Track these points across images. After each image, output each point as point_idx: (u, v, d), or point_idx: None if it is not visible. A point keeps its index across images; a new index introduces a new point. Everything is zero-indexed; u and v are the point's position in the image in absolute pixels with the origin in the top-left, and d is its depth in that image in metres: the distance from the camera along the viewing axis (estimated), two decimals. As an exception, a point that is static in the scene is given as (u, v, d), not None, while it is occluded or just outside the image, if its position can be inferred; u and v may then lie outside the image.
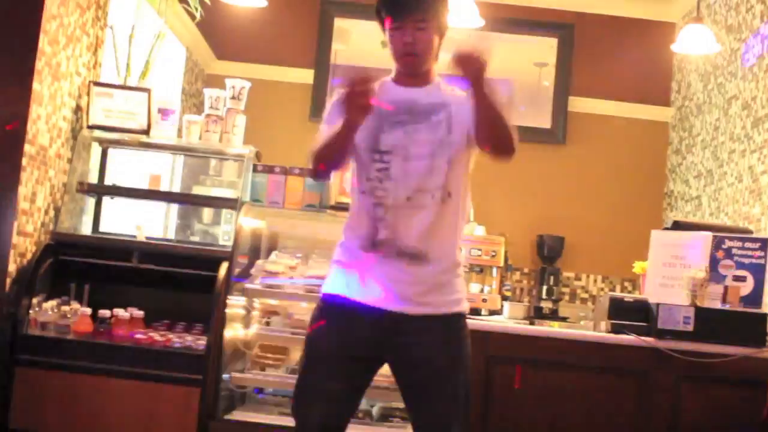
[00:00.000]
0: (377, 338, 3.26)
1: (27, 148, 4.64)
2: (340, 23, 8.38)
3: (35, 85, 4.65)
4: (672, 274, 4.76)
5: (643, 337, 4.51)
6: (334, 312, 3.32)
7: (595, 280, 8.24)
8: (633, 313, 4.67)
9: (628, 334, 4.54)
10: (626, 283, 8.08)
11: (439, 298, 3.29)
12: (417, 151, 3.27)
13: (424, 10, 3.31)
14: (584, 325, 6.10)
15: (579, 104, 8.34)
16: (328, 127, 3.29)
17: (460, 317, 3.34)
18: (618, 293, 6.40)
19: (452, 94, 3.35)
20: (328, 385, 3.26)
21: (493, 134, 3.23)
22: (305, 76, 8.26)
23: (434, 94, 3.36)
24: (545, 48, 8.46)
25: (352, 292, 3.29)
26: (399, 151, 3.27)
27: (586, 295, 8.23)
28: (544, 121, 8.36)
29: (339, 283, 3.33)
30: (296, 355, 4.85)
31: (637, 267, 5.30)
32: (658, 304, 4.59)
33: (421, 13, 3.29)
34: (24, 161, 4.62)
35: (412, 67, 3.36)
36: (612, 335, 4.60)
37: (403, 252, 3.25)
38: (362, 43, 8.29)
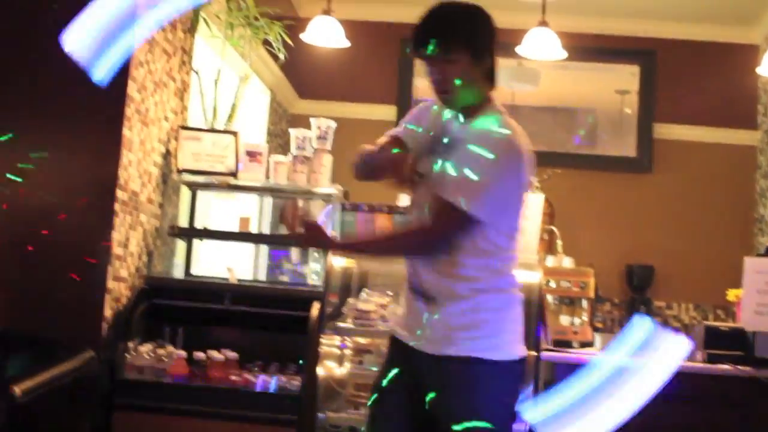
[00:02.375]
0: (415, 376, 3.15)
1: (119, 194, 4.70)
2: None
3: (125, 132, 4.72)
4: (767, 302, 4.68)
5: (740, 367, 4.44)
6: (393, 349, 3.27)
7: (687, 309, 8.12)
8: (729, 342, 4.60)
9: (724, 364, 4.47)
10: (719, 311, 7.95)
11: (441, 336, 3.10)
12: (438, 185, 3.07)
13: (450, 42, 3.03)
14: (677, 354, 6.02)
15: (664, 131, 8.25)
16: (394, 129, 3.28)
17: (473, 362, 3.07)
18: (712, 322, 6.31)
19: (476, 130, 3.10)
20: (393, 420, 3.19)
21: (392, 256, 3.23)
22: (388, 112, 8.28)
23: (473, 130, 3.10)
24: (626, 75, 8.39)
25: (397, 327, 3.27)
26: (426, 179, 3.12)
27: (677, 324, 8.10)
28: (629, 150, 8.28)
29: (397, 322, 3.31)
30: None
31: (731, 294, 5.23)
32: (754, 333, 4.52)
33: (446, 47, 3.03)
34: (116, 207, 4.69)
35: (449, 105, 3.15)
36: (708, 365, 4.53)
37: (418, 289, 3.13)
38: (443, 77, 8.30)
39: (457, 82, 3.06)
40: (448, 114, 3.20)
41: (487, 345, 3.05)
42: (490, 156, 3.01)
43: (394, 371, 3.18)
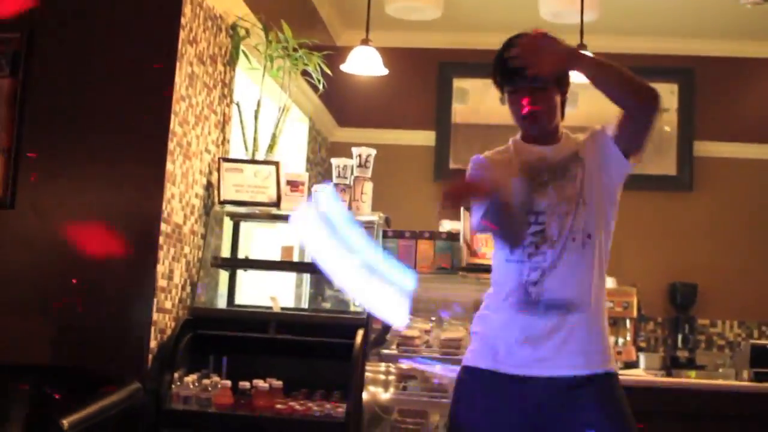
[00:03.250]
0: (531, 409, 3.14)
1: (163, 226, 4.76)
2: (458, 83, 8.43)
3: (168, 165, 4.79)
4: (813, 319, 4.67)
5: (787, 386, 4.43)
6: (479, 386, 3.24)
7: (732, 326, 8.07)
8: (776, 360, 4.59)
9: (771, 383, 4.45)
10: (764, 328, 7.90)
11: (581, 359, 3.14)
12: (566, 208, 3.18)
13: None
14: (722, 372, 6.00)
15: (704, 148, 8.22)
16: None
17: (609, 375, 3.19)
18: (759, 340, 6.28)
19: (580, 143, 3.30)
20: None
21: (622, 89, 3.21)
22: (427, 138, 8.31)
23: (566, 147, 3.29)
24: (665, 93, 8.29)
25: (497, 363, 3.21)
26: (552, 210, 3.19)
27: (722, 342, 8.05)
28: (670, 168, 8.26)
29: (482, 354, 3.26)
30: (434, 418, 4.85)
31: (777, 312, 5.21)
32: (801, 351, 4.51)
33: (538, 75, 3.15)
34: (161, 240, 4.74)
35: (536, 130, 3.29)
36: (755, 384, 4.52)
37: (551, 303, 3.15)
38: (481, 101, 8.32)
39: (546, 109, 3.25)
40: (521, 149, 3.34)
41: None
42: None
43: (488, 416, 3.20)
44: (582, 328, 3.15)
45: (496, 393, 3.18)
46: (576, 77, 6.50)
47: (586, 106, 8.20)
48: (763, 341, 5.48)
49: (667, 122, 8.36)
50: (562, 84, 3.31)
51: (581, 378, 3.12)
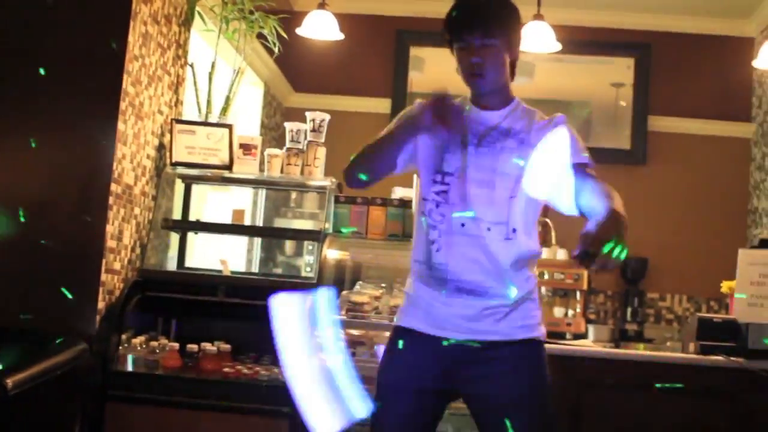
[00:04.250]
0: (445, 370, 3.17)
1: (113, 187, 4.71)
2: (415, 52, 8.41)
3: (120, 125, 4.74)
4: (761, 293, 4.69)
5: (733, 358, 4.45)
6: (405, 343, 3.25)
7: (680, 301, 8.15)
8: (722, 333, 4.61)
9: (717, 356, 4.48)
10: (712, 303, 7.98)
11: (504, 325, 3.14)
12: (478, 176, 3.14)
13: (490, 27, 3.16)
14: (670, 346, 6.04)
15: (658, 123, 8.27)
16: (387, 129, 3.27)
17: (532, 344, 3.20)
18: (705, 314, 6.33)
19: (528, 121, 3.24)
20: (401, 419, 3.20)
21: None
22: (382, 105, 8.29)
23: (506, 119, 3.24)
24: (622, 68, 8.41)
25: (419, 323, 3.22)
26: (459, 173, 3.16)
27: (671, 316, 8.13)
28: (623, 142, 8.30)
29: (407, 314, 3.28)
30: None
31: (725, 286, 5.24)
32: (747, 324, 4.54)
33: (487, 31, 3.15)
34: (110, 200, 4.70)
35: (480, 88, 3.24)
36: (701, 356, 4.54)
37: (459, 287, 3.13)
38: (437, 70, 8.31)
39: (493, 66, 3.18)
40: (473, 109, 3.27)
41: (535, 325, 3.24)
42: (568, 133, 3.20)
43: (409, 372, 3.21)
44: (500, 310, 3.15)
45: (417, 349, 3.21)
46: (534, 46, 6.50)
47: (542, 78, 8.25)
48: (709, 315, 5.50)
49: (623, 96, 8.40)
50: (512, 44, 3.26)
51: (498, 342, 3.14)
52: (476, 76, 3.21)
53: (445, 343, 3.16)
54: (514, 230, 3.13)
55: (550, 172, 3.07)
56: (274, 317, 3.37)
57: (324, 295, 3.36)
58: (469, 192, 3.13)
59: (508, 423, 3.07)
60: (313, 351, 3.22)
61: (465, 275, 3.12)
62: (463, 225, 3.13)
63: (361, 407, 3.12)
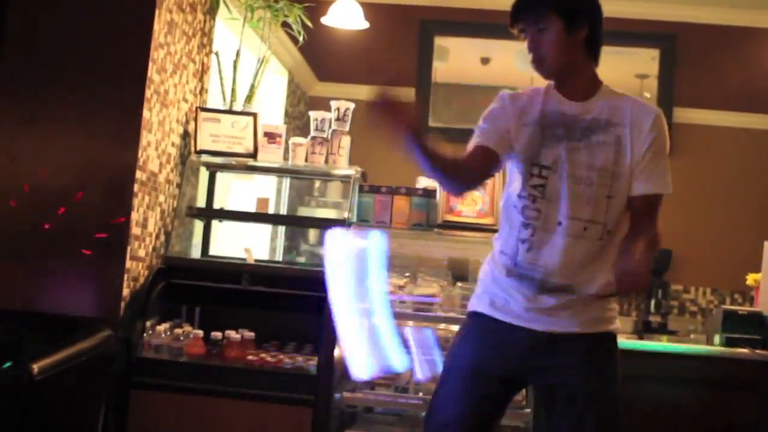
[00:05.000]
0: (516, 358, 3.15)
1: (138, 174, 4.73)
2: (440, 41, 8.39)
3: (145, 113, 4.75)
4: (786, 286, 4.70)
5: (758, 351, 4.44)
6: (477, 329, 3.24)
7: (704, 293, 8.11)
8: (747, 325, 4.61)
9: (742, 348, 4.47)
10: (736, 295, 7.94)
11: (583, 317, 3.11)
12: (577, 173, 3.08)
13: (536, 9, 3.09)
14: (694, 338, 6.03)
15: (683, 115, 8.21)
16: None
17: (607, 336, 3.17)
18: (730, 306, 6.31)
19: (624, 112, 3.13)
20: (461, 400, 3.17)
21: None
22: (406, 95, 8.25)
23: (599, 109, 3.14)
24: (646, 59, 8.36)
25: (495, 311, 3.20)
26: (557, 168, 3.08)
27: (695, 308, 8.10)
28: (648, 134, 8.26)
29: (483, 301, 3.25)
30: (406, 374, 4.85)
31: (750, 279, 5.23)
32: (773, 317, 4.53)
33: (532, 15, 3.09)
34: (135, 187, 4.71)
35: (544, 74, 3.15)
36: (726, 349, 4.54)
37: (545, 285, 3.10)
38: (462, 60, 8.29)
39: (549, 50, 3.09)
40: (552, 97, 3.19)
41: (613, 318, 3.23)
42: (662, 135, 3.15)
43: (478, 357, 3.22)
44: (581, 304, 3.13)
45: (489, 335, 3.19)
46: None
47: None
48: (734, 307, 5.49)
49: (647, 88, 8.35)
50: (571, 21, 3.09)
51: (571, 334, 3.11)
52: (535, 63, 3.14)
53: (520, 332, 3.13)
54: (609, 232, 3.10)
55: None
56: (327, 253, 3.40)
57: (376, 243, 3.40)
58: (568, 188, 3.08)
59: (576, 413, 3.08)
60: (360, 299, 3.21)
61: (555, 275, 3.09)
62: (560, 223, 3.09)
63: (399, 361, 3.14)
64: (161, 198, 5.07)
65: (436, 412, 3.23)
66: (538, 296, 3.11)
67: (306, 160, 5.35)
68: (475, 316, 3.25)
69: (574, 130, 3.10)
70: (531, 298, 3.11)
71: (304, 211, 6.61)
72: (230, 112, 5.40)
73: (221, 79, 5.55)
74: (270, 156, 5.35)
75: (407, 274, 5.13)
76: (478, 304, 3.26)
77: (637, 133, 3.09)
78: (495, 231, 3.37)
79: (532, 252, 3.10)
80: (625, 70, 8.50)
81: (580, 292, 3.08)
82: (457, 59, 8.43)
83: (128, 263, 4.73)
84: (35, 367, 3.67)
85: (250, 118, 5.32)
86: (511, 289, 3.16)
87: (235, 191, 6.35)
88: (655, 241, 3.12)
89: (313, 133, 5.35)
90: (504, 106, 3.20)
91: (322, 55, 7.95)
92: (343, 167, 5.34)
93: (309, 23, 5.83)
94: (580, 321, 3.11)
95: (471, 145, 3.19)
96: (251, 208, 5.69)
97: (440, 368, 3.53)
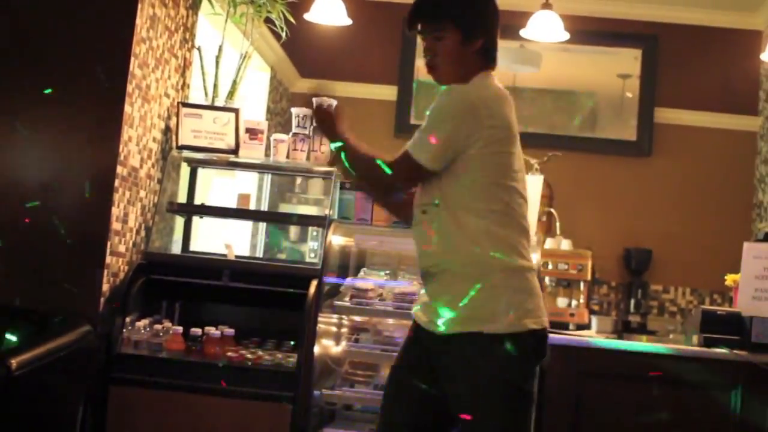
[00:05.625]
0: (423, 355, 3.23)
1: (119, 169, 4.71)
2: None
3: (126, 108, 4.73)
4: (765, 287, 4.71)
5: (736, 351, 4.46)
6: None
7: (684, 293, 8.14)
8: (725, 326, 4.62)
9: (721, 348, 4.48)
10: (715, 296, 7.98)
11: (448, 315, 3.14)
12: None
13: (435, 17, 3.15)
14: (673, 338, 6.04)
15: (664, 115, 8.24)
16: None
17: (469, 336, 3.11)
18: (709, 306, 6.33)
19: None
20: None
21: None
22: (389, 92, 8.29)
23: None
24: (629, 59, 8.39)
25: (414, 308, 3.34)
26: None
27: (674, 309, 8.13)
28: (629, 134, 8.28)
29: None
30: (386, 371, 4.85)
31: (729, 279, 5.24)
32: (751, 317, 4.54)
33: (431, 23, 3.15)
34: (116, 183, 4.70)
35: (437, 80, 3.23)
36: (704, 349, 4.55)
37: (420, 270, 3.26)
38: (445, 58, 8.28)
39: (445, 58, 3.15)
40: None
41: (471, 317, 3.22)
42: (435, 105, 3.13)
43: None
44: (442, 292, 3.17)
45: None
46: (542, 36, 6.49)
47: (549, 68, 8.23)
48: (713, 307, 5.50)
49: (629, 88, 8.38)
50: (469, 31, 3.17)
51: (441, 336, 3.16)
52: (429, 68, 3.21)
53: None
54: (437, 204, 3.18)
55: None
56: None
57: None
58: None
59: None
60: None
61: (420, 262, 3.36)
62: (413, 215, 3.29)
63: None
64: (142, 193, 5.05)
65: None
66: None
67: (287, 157, 5.34)
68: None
69: None
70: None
71: (285, 208, 6.60)
72: (212, 107, 5.39)
73: (203, 74, 5.53)
74: (251, 152, 5.34)
75: (387, 272, 5.13)
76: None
77: None
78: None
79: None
80: (608, 69, 8.53)
81: (438, 277, 3.19)
82: (440, 57, 8.42)
83: (108, 258, 4.71)
84: (14, 362, 3.64)
85: (232, 114, 5.31)
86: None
87: (217, 187, 6.34)
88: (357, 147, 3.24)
89: (294, 129, 5.34)
90: None
91: (304, 52, 7.94)
92: (325, 164, 5.33)
93: (292, 19, 5.81)
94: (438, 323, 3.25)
95: None
96: (232, 204, 5.68)
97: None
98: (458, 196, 3.13)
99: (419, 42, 3.26)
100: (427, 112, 3.15)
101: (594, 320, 7.05)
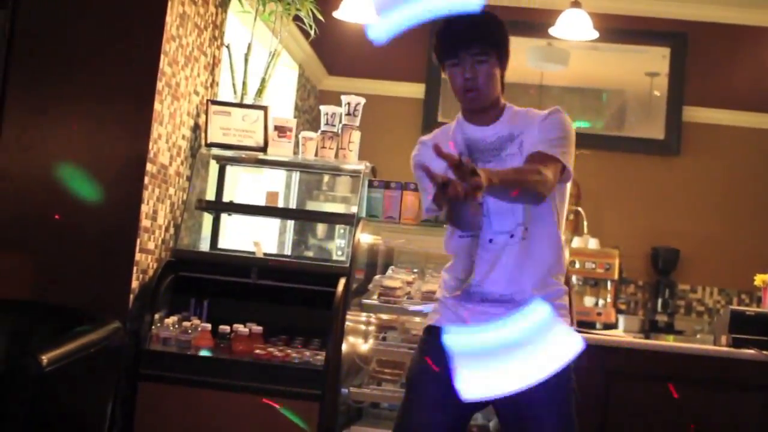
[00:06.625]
0: None
1: (148, 166, 4.74)
2: (450, 37, 8.37)
3: (156, 105, 4.75)
4: (794, 287, 4.69)
5: (765, 352, 4.43)
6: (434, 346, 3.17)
7: (711, 293, 8.11)
8: (754, 326, 4.59)
9: (749, 349, 4.46)
10: (743, 296, 7.94)
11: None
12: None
13: (484, 42, 3.17)
14: (700, 338, 6.03)
15: (693, 114, 8.20)
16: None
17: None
18: (738, 306, 6.30)
19: (522, 121, 3.23)
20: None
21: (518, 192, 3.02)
22: (416, 90, 8.28)
23: (502, 127, 3.23)
24: (657, 57, 8.35)
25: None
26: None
27: (702, 308, 8.10)
28: (657, 132, 8.24)
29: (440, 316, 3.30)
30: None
31: (758, 279, 5.21)
32: (781, 318, 4.52)
33: (480, 46, 3.16)
34: (146, 180, 4.72)
35: (475, 103, 3.23)
36: (733, 349, 4.52)
37: (487, 299, 3.18)
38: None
39: (487, 81, 3.17)
40: (462, 127, 3.29)
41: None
42: (557, 121, 3.19)
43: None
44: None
45: None
46: (571, 34, 6.48)
47: (577, 66, 8.21)
48: (742, 308, 5.48)
49: (657, 86, 8.35)
50: (503, 59, 3.25)
51: None
52: (471, 92, 3.19)
53: None
54: (527, 229, 3.18)
55: None
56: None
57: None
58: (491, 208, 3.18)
59: None
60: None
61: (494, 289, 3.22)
62: (491, 241, 3.20)
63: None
64: (171, 190, 5.07)
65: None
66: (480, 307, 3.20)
67: (316, 155, 5.35)
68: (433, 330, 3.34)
69: (484, 151, 3.22)
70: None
71: (313, 206, 6.61)
72: (241, 105, 5.40)
73: (232, 72, 5.54)
74: (280, 150, 5.35)
75: (415, 270, 5.13)
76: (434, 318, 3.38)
77: (531, 128, 3.18)
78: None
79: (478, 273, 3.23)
80: (636, 67, 8.50)
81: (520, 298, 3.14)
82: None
83: (137, 255, 4.73)
84: (44, 359, 3.67)
85: (261, 112, 5.32)
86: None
87: (245, 185, 6.35)
88: (523, 171, 3.04)
89: (323, 127, 5.35)
90: (422, 152, 3.34)
91: (333, 50, 7.95)
92: (353, 162, 5.34)
93: (321, 17, 5.82)
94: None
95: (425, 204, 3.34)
96: (260, 202, 5.69)
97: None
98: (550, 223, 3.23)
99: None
100: (541, 121, 3.19)
101: (621, 319, 7.05)
